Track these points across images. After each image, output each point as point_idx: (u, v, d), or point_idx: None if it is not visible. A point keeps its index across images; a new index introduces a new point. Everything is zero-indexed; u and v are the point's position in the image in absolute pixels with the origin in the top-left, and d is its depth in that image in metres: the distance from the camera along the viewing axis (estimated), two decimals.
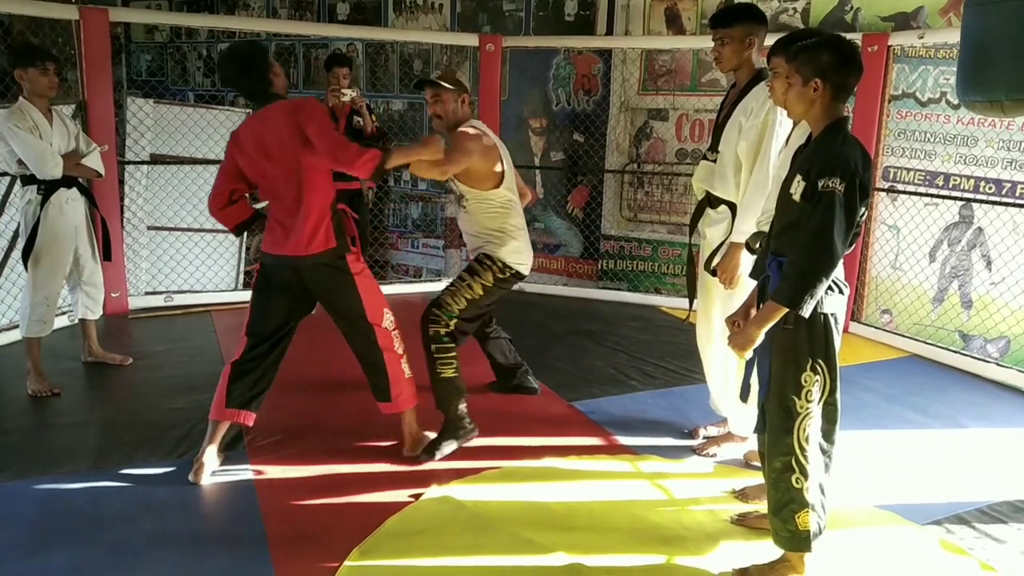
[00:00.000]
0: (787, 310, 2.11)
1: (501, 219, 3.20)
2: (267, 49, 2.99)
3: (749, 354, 2.25)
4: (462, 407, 3.11)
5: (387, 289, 5.64)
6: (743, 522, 2.65)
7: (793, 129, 2.73)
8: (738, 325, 2.37)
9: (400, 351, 2.96)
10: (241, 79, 2.77)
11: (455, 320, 3.09)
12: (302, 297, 2.92)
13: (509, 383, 3.72)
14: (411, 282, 6.12)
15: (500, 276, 3.18)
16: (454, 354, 3.08)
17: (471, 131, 3.09)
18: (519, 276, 3.26)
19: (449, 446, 3.07)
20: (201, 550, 2.43)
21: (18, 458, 2.98)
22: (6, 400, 3.58)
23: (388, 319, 2.94)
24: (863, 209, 2.14)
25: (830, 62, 2.12)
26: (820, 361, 2.19)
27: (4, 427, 3.27)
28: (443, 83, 3.09)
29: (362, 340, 2.94)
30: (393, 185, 6.83)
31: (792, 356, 2.20)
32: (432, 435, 3.09)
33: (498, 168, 3.14)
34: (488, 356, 3.67)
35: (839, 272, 2.20)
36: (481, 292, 3.13)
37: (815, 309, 2.13)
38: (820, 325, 2.18)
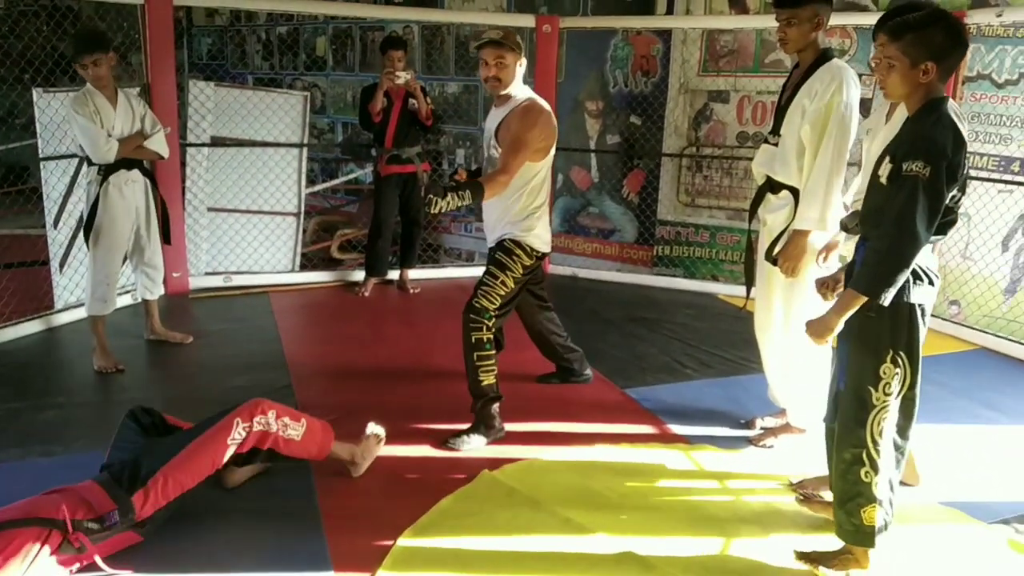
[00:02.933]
0: (866, 299, 2.03)
1: (534, 196, 3.09)
2: None
3: (828, 343, 2.17)
4: (495, 408, 3.09)
5: (439, 272, 5.71)
6: (806, 502, 2.62)
7: (892, 110, 2.64)
8: (827, 286, 2.32)
9: (278, 429, 2.53)
10: None
11: (494, 320, 3.04)
12: None
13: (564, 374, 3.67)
14: (463, 266, 6.13)
15: (527, 264, 3.11)
16: (494, 360, 3.05)
17: (542, 105, 3.03)
18: (543, 257, 3.20)
19: (477, 440, 3.04)
20: (258, 525, 2.49)
21: (86, 431, 3.08)
22: (74, 375, 3.71)
23: (235, 434, 2.45)
24: (958, 193, 2.04)
25: (943, 43, 2.00)
26: (902, 353, 2.11)
27: (72, 401, 3.39)
28: (507, 42, 2.95)
29: None
30: (447, 168, 6.84)
31: (872, 346, 2.13)
32: (375, 428, 2.91)
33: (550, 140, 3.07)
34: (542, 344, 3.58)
35: (931, 262, 2.11)
36: (513, 285, 3.07)
37: (901, 298, 2.05)
38: (904, 315, 2.09)
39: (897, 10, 2.33)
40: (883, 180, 2.06)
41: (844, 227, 2.63)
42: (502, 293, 3.04)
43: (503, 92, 3.03)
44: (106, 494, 2.27)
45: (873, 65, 2.63)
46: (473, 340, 3.01)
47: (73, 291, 4.42)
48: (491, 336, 3.03)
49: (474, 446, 3.02)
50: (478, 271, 5.67)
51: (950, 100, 2.11)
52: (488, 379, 3.04)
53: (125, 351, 3.85)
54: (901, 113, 2.46)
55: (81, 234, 3.95)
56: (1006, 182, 4.34)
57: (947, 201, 2.03)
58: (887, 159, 2.07)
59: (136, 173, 3.74)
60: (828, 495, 2.61)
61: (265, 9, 7.34)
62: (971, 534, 2.56)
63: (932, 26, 2.01)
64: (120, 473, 2.35)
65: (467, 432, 3.06)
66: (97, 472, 2.41)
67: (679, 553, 2.39)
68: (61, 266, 4.41)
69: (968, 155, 2.08)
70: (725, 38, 5.33)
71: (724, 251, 5.53)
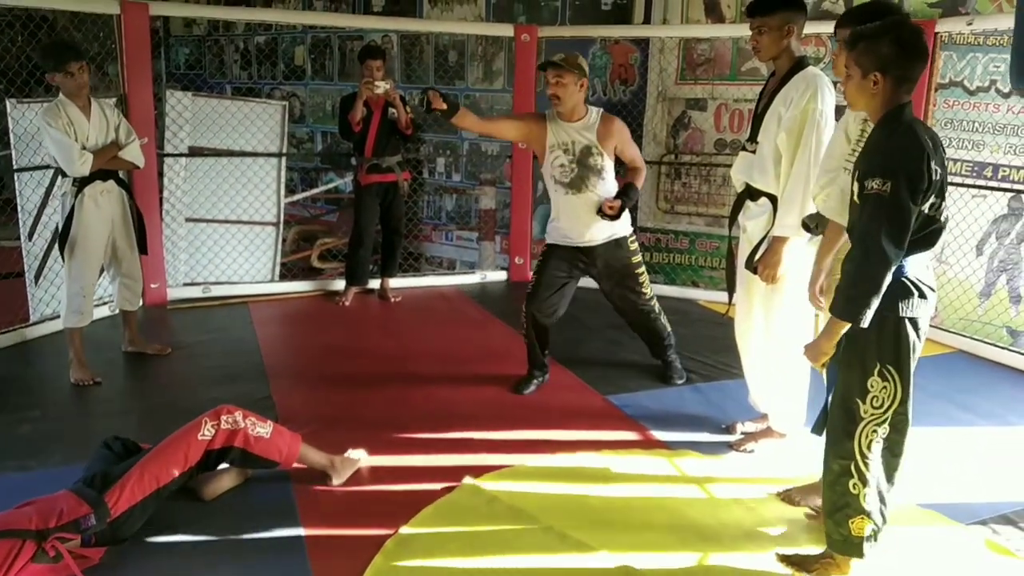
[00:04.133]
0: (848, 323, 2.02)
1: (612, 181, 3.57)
2: None
3: (822, 365, 2.22)
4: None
5: (420, 281, 5.69)
6: (788, 500, 2.67)
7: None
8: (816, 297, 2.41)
9: (246, 427, 2.60)
10: None
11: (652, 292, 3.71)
12: None
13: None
14: (444, 274, 6.12)
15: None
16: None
17: (611, 115, 3.57)
18: None
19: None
20: (238, 537, 2.46)
21: (62, 445, 3.04)
22: (51, 388, 3.65)
23: (205, 432, 2.55)
24: (937, 200, 1.99)
25: (890, 54, 1.96)
26: (889, 367, 2.08)
27: (48, 415, 3.34)
28: (567, 65, 3.32)
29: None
30: (428, 177, 6.83)
31: (859, 358, 2.11)
32: (355, 453, 2.93)
33: None
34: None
35: (924, 274, 2.08)
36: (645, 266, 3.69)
37: (895, 312, 2.03)
38: (891, 328, 2.06)
39: (849, 13, 2.32)
40: (855, 199, 2.05)
41: (806, 227, 2.65)
42: (648, 279, 3.68)
43: (566, 109, 3.42)
44: (79, 499, 2.25)
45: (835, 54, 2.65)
46: (652, 318, 3.74)
47: (49, 303, 4.36)
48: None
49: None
50: (459, 279, 5.76)
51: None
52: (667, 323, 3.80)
53: (103, 363, 3.81)
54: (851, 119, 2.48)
55: (56, 246, 3.91)
56: (979, 187, 4.40)
57: (926, 210, 1.99)
58: (856, 175, 2.06)
59: (111, 184, 3.69)
60: (818, 502, 2.63)
61: (243, 19, 7.31)
62: (949, 535, 2.58)
63: (882, 37, 1.97)
64: (92, 480, 2.34)
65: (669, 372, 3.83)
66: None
67: (661, 560, 2.38)
68: (36, 278, 4.35)
69: (943, 158, 2.06)
70: (702, 47, 5.37)
71: (703, 257, 5.56)
